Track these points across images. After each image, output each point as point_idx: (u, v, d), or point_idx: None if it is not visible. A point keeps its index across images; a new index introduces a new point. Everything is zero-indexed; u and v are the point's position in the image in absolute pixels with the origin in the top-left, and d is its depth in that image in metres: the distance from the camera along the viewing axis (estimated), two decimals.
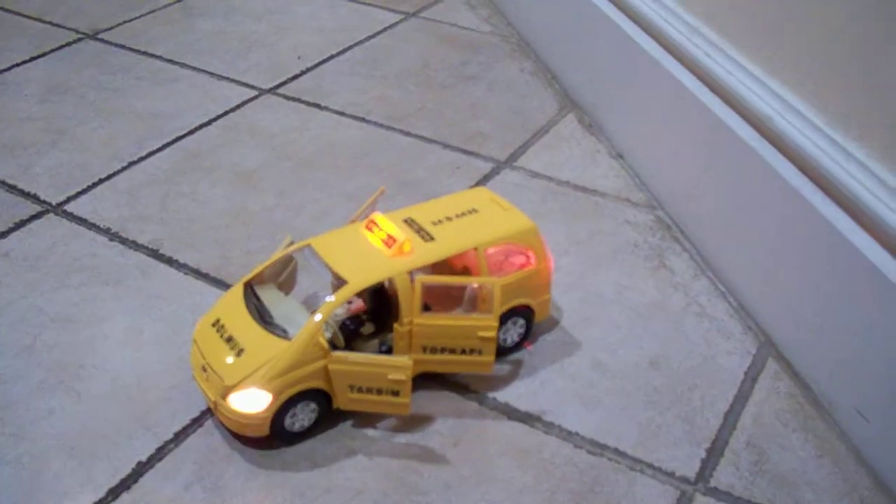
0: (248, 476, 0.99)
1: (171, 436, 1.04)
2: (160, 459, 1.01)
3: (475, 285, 1.06)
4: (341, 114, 1.65)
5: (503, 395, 1.09)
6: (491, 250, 1.08)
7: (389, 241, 1.02)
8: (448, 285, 1.07)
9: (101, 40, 1.91)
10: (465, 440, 1.03)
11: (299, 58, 1.84)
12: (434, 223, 1.07)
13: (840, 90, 1.08)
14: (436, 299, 1.08)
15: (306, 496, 0.97)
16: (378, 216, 1.05)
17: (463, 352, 1.04)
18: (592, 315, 1.20)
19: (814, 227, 1.07)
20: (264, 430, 0.99)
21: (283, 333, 1.00)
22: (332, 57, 1.85)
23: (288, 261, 1.11)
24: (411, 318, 1.02)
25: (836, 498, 0.98)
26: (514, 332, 1.12)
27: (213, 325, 1.03)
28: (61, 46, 1.88)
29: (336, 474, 0.99)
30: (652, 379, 1.11)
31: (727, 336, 1.17)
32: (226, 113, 1.66)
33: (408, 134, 1.59)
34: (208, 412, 1.06)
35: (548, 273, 1.12)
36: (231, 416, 0.98)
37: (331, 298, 0.98)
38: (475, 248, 1.05)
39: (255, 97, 1.71)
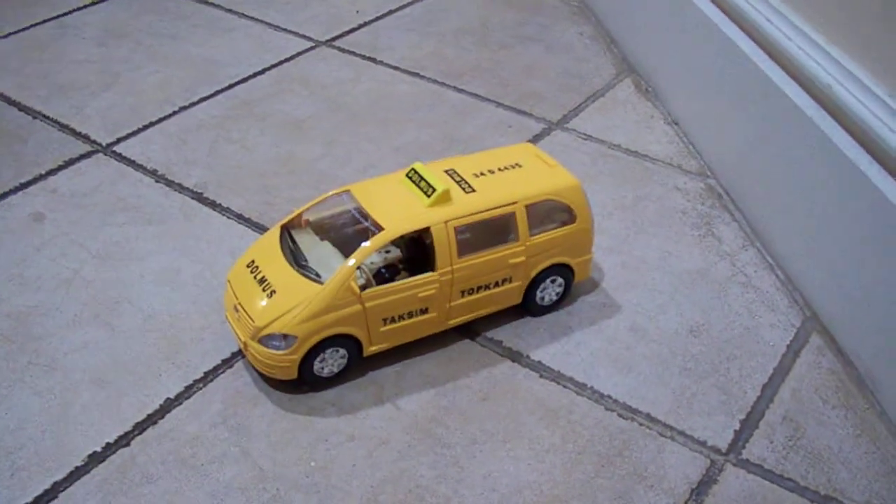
0: (274, 418, 0.99)
1: (200, 375, 1.04)
2: (188, 397, 1.01)
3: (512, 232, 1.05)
4: (395, 68, 1.64)
5: (536, 354, 1.07)
6: (532, 206, 1.05)
7: (429, 190, 1.01)
8: (480, 225, 1.03)
9: None
10: (494, 396, 1.02)
11: (357, 12, 1.83)
12: (476, 175, 1.06)
13: None
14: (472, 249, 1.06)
15: (330, 442, 0.96)
16: (419, 165, 1.04)
17: (496, 284, 1.05)
18: (634, 279, 1.18)
19: (869, 201, 1.03)
20: (292, 374, 0.99)
21: (316, 277, 0.99)
22: (390, 12, 1.84)
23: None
24: (450, 267, 1.01)
25: (873, 479, 0.95)
26: (552, 290, 1.10)
27: (248, 266, 1.03)
28: None
29: (361, 422, 0.99)
30: (690, 346, 1.09)
31: (771, 308, 1.14)
32: (280, 63, 1.65)
33: (461, 91, 1.57)
34: (239, 353, 1.06)
35: (589, 232, 1.09)
36: (260, 357, 0.98)
37: (366, 244, 0.97)
38: (515, 203, 1.03)
39: (311, 48, 1.70)
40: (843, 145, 1.08)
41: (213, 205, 1.29)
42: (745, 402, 1.03)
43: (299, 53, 1.68)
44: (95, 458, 0.95)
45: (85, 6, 1.83)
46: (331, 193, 1.07)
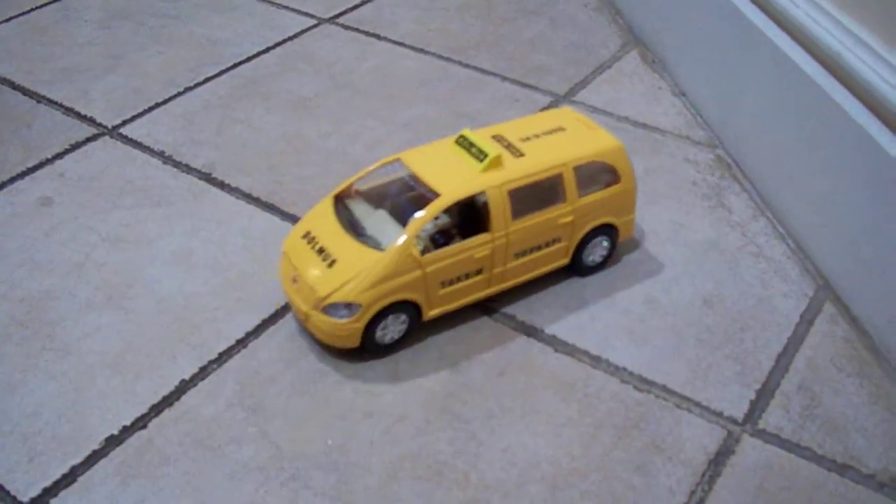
0: (290, 397, 0.99)
1: (214, 356, 1.04)
2: (203, 378, 1.01)
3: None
4: (400, 44, 1.63)
5: (551, 328, 1.07)
6: (579, 167, 1.07)
7: (481, 155, 1.02)
8: (531, 188, 1.05)
9: None
10: (510, 371, 1.02)
11: None
12: (523, 140, 1.07)
13: None
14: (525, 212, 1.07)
15: (347, 419, 0.97)
16: (467, 132, 1.05)
17: (547, 245, 1.07)
18: (646, 251, 1.18)
19: (881, 168, 1.03)
20: (355, 342, 1.00)
21: (375, 245, 0.99)
22: None
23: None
24: (505, 230, 1.02)
25: (889, 446, 0.95)
26: (597, 251, 1.12)
27: (304, 237, 1.03)
28: None
29: (378, 399, 0.99)
30: (704, 318, 1.09)
31: (784, 278, 1.14)
32: (284, 41, 1.64)
33: (466, 66, 1.56)
34: (252, 333, 1.06)
35: (633, 192, 1.12)
36: (323, 326, 0.99)
37: (422, 213, 0.98)
38: (564, 165, 1.05)
39: (314, 26, 1.69)
40: (853, 112, 1.08)
41: (222, 185, 1.29)
42: (760, 373, 1.03)
43: (303, 31, 1.67)
44: (113, 441, 0.95)
45: None
46: (381, 163, 1.07)
